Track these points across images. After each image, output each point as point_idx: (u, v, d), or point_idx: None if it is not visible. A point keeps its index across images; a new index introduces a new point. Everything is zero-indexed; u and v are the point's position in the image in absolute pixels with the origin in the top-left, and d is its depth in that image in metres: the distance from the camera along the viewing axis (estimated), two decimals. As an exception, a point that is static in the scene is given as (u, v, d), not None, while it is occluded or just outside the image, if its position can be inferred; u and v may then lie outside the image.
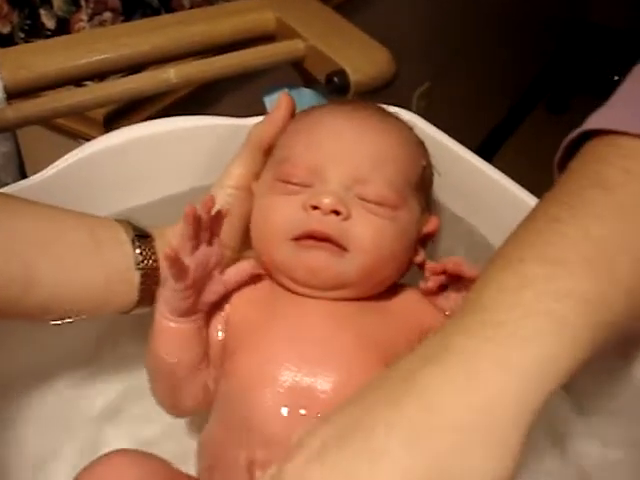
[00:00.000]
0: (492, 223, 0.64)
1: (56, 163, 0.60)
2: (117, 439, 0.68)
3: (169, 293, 0.56)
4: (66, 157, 0.61)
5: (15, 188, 0.58)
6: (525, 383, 0.40)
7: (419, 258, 0.61)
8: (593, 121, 0.51)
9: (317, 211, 0.55)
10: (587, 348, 0.42)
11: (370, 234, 0.55)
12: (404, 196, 0.58)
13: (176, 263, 0.54)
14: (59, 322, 0.56)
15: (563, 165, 0.52)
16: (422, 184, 0.61)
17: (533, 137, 2.72)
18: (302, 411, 0.52)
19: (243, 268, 0.59)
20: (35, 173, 0.68)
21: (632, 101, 0.51)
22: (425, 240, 0.62)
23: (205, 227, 0.56)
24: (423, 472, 0.39)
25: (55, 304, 0.54)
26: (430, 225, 0.61)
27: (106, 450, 0.56)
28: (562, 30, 2.91)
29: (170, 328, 0.57)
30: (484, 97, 2.34)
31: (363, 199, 0.56)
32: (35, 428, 0.65)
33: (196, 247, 0.55)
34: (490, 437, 0.40)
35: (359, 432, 0.41)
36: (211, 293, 0.58)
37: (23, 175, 0.81)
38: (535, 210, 0.48)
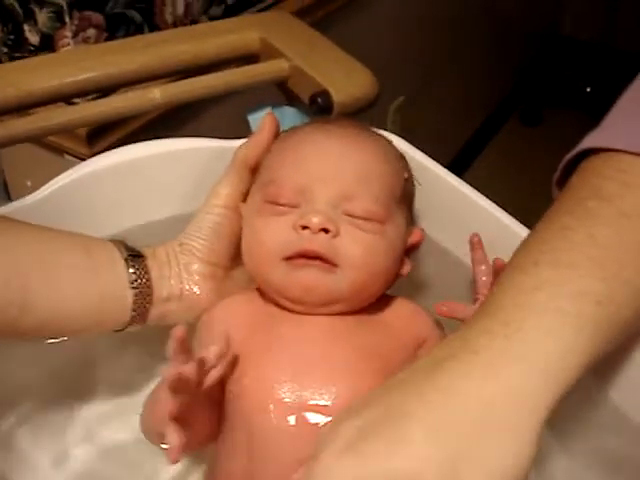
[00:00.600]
0: (461, 237, 0.65)
1: (48, 184, 0.62)
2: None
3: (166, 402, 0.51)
4: (57, 179, 0.62)
5: (9, 209, 0.59)
6: (542, 378, 0.43)
7: (406, 269, 0.63)
8: (590, 140, 0.54)
9: (307, 230, 0.56)
10: (599, 346, 0.45)
11: (359, 249, 0.57)
12: (390, 210, 0.59)
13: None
14: (56, 340, 0.57)
15: (562, 183, 0.55)
16: (405, 197, 0.63)
17: (507, 148, 2.75)
18: (308, 426, 0.53)
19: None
20: (18, 187, 0.69)
21: (627, 119, 0.55)
22: (410, 251, 0.64)
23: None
24: (444, 459, 0.41)
25: (51, 324, 0.55)
26: (414, 236, 0.63)
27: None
28: (535, 43, 2.94)
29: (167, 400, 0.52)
30: (459, 109, 2.36)
31: (350, 215, 0.57)
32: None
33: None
34: (507, 429, 0.42)
35: (388, 423, 0.43)
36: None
37: (6, 189, 0.82)
38: (544, 220, 0.52)
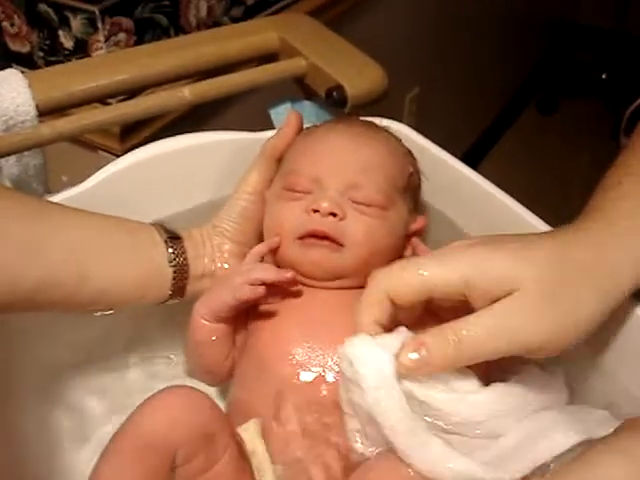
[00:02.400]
0: (475, 222, 0.72)
1: (93, 176, 0.68)
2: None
3: (218, 304, 0.64)
4: (100, 172, 0.69)
5: (61, 197, 0.66)
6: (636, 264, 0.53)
7: (408, 252, 0.70)
8: None
9: (317, 214, 0.64)
10: None
11: (362, 231, 0.65)
12: (392, 198, 0.67)
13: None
14: (107, 312, 0.64)
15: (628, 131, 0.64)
16: (409, 188, 0.71)
17: (524, 137, 2.77)
18: (313, 378, 0.62)
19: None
20: (57, 182, 0.75)
21: None
22: (413, 236, 0.71)
23: None
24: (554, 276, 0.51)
25: (103, 297, 0.62)
26: (417, 223, 0.70)
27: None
28: (550, 32, 2.95)
29: (207, 327, 0.65)
30: (475, 99, 2.37)
31: (356, 202, 0.65)
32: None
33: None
34: (602, 286, 0.52)
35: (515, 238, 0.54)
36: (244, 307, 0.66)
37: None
38: (622, 160, 0.61)
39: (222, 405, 0.65)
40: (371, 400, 0.51)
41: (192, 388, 0.59)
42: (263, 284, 0.63)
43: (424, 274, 0.52)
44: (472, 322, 0.50)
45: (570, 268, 0.52)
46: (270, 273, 0.64)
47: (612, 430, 0.51)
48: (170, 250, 0.65)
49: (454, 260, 0.52)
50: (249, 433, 0.60)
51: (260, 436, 0.60)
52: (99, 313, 0.64)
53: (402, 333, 0.53)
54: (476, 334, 0.50)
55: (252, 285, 0.63)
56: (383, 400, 0.50)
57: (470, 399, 0.52)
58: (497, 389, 0.53)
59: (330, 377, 0.61)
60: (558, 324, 0.50)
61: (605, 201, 0.57)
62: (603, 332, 0.57)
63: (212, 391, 0.71)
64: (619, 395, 0.60)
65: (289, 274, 0.64)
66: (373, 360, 0.51)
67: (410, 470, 0.50)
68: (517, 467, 0.51)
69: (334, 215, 0.64)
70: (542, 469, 0.51)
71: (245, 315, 0.68)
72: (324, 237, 0.64)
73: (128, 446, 0.55)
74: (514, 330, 0.50)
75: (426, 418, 0.52)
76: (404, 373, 0.51)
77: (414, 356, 0.50)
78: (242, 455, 0.59)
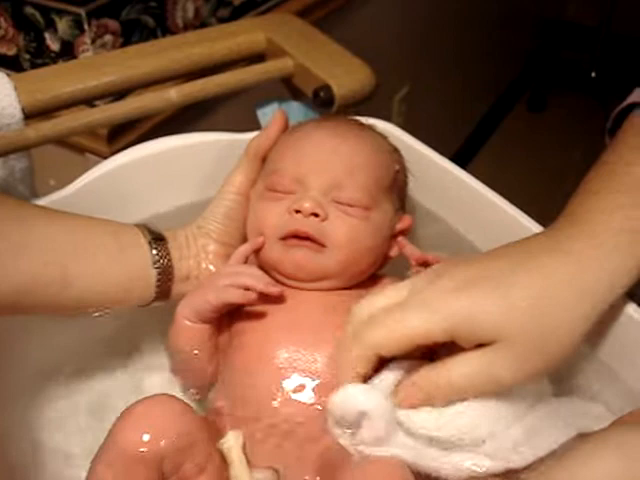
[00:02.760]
0: (464, 220, 0.72)
1: (79, 179, 0.68)
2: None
3: (202, 304, 0.64)
4: (87, 174, 0.69)
5: (47, 200, 0.66)
6: (611, 273, 0.54)
7: (394, 252, 0.70)
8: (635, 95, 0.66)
9: (299, 214, 0.64)
10: None
11: (344, 232, 0.64)
12: (376, 198, 0.67)
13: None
14: (94, 315, 0.64)
15: (612, 131, 0.67)
16: (395, 187, 0.70)
17: (514, 134, 2.78)
18: (298, 383, 0.61)
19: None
20: (43, 184, 0.75)
21: None
22: (400, 236, 0.70)
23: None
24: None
25: (86, 300, 0.62)
26: (403, 223, 0.70)
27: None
28: (539, 29, 2.96)
29: (190, 327, 0.65)
30: (464, 98, 2.37)
31: (339, 202, 0.65)
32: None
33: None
34: (582, 297, 0.53)
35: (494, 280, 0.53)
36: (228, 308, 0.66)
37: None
38: (603, 159, 0.62)
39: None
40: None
41: (171, 396, 0.58)
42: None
43: (407, 327, 0.52)
44: (459, 363, 0.52)
45: (551, 303, 0.52)
46: (258, 283, 0.63)
47: (608, 425, 0.51)
48: (154, 252, 0.65)
49: (437, 312, 0.52)
50: (228, 446, 0.59)
51: (240, 448, 0.59)
52: (85, 315, 0.64)
53: (387, 375, 0.55)
54: (463, 376, 0.52)
55: (238, 289, 0.63)
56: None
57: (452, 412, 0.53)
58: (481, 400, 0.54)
59: (316, 381, 0.61)
60: (545, 362, 0.52)
61: (583, 212, 0.57)
62: (599, 330, 0.58)
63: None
64: (615, 390, 0.60)
65: (276, 290, 0.64)
66: (367, 401, 0.52)
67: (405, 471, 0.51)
68: (515, 458, 0.52)
69: (316, 215, 0.64)
70: (536, 464, 0.51)
71: (228, 317, 0.67)
72: (306, 237, 0.64)
73: (115, 461, 0.54)
74: (500, 376, 0.51)
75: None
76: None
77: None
78: (224, 465, 0.59)
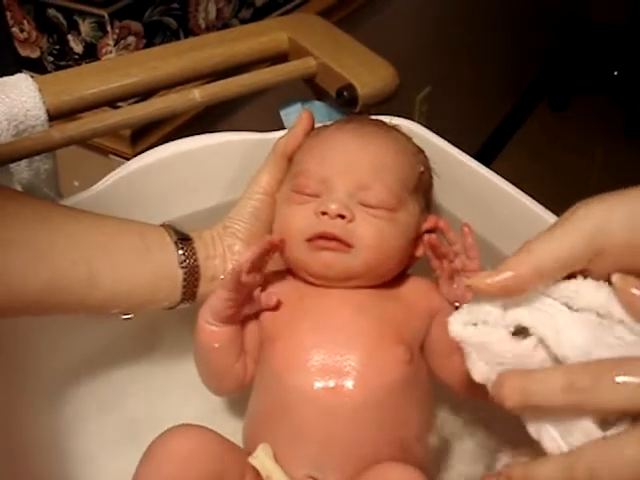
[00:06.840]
0: (489, 223, 0.71)
1: (105, 179, 0.68)
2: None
3: (217, 302, 0.64)
4: (112, 174, 0.69)
5: (72, 200, 0.66)
6: None
7: (420, 252, 0.70)
8: None
9: (326, 216, 0.64)
10: None
11: (371, 233, 0.64)
12: (402, 199, 0.66)
13: (238, 276, 0.62)
14: (124, 317, 0.64)
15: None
16: (420, 188, 0.70)
17: (537, 134, 2.77)
18: (331, 385, 0.61)
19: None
20: (68, 186, 0.75)
21: None
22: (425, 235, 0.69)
23: (265, 259, 0.65)
24: None
25: (112, 300, 0.62)
26: (428, 223, 0.69)
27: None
28: (561, 28, 2.95)
29: (211, 330, 0.65)
30: (486, 98, 2.37)
31: (365, 204, 0.65)
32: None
33: (252, 270, 0.64)
34: None
35: None
36: (248, 309, 0.66)
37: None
38: None
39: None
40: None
41: (198, 426, 0.60)
42: (256, 268, 0.64)
43: None
44: None
45: None
46: (252, 248, 0.64)
47: None
48: (180, 252, 0.65)
49: None
50: (260, 460, 0.60)
51: (272, 459, 0.60)
52: (110, 316, 0.64)
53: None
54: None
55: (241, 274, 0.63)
56: None
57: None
58: None
59: (349, 384, 0.61)
60: None
61: None
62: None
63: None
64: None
65: (269, 238, 0.64)
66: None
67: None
68: None
69: (342, 217, 0.64)
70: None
71: (256, 321, 0.67)
72: (333, 239, 0.64)
73: None
74: None
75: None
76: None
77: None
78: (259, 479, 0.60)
